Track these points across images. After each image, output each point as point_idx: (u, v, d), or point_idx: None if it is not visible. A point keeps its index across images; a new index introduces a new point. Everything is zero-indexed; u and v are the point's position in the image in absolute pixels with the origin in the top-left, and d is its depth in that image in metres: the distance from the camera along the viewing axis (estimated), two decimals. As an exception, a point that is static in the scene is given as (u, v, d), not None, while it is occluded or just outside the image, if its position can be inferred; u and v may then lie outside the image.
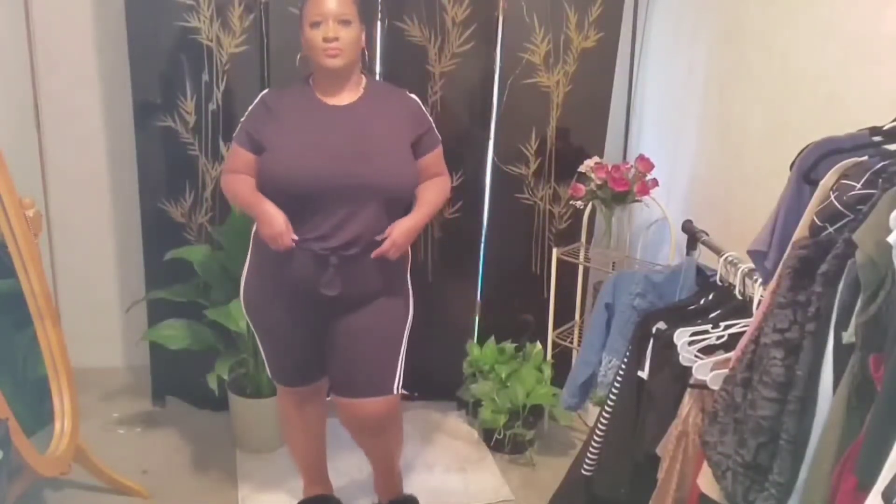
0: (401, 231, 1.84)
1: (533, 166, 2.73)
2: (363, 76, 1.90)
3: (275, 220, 1.77)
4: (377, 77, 2.60)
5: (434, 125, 1.96)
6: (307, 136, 1.81)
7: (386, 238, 1.83)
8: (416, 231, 1.88)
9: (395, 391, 1.95)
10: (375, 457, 2.16)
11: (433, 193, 1.95)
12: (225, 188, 1.94)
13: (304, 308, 1.89)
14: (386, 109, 1.88)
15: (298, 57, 1.90)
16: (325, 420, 2.20)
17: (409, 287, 2.01)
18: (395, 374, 1.95)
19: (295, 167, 1.77)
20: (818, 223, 1.20)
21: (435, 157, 1.97)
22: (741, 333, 1.55)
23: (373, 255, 1.81)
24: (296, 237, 1.78)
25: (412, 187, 1.90)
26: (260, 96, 1.91)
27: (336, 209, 1.77)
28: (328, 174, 1.76)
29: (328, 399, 2.13)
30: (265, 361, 2.07)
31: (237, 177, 1.88)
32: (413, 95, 1.95)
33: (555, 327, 2.76)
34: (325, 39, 1.76)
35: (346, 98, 1.86)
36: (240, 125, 1.90)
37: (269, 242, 1.79)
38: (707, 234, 2.13)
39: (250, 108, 1.89)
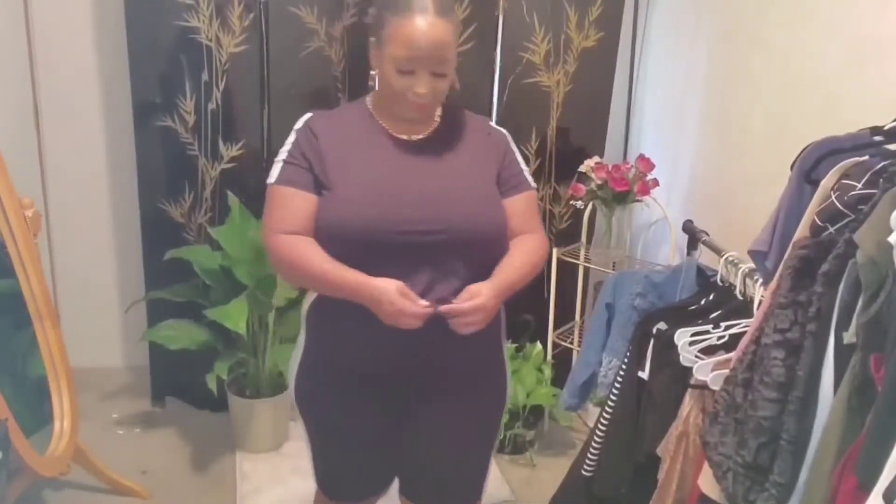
0: (489, 295, 1.35)
1: (533, 166, 2.73)
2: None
3: (390, 296, 1.31)
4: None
5: (526, 168, 1.54)
6: (374, 175, 1.40)
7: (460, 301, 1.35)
8: (502, 297, 1.41)
9: (481, 497, 1.61)
10: None
11: (524, 249, 1.46)
12: (280, 259, 1.40)
13: (379, 397, 1.47)
14: (465, 144, 1.48)
15: (371, 75, 1.45)
16: None
17: (507, 362, 1.60)
18: (486, 477, 1.60)
19: (362, 213, 1.35)
20: (819, 223, 1.20)
21: (522, 204, 1.49)
22: (742, 334, 1.55)
23: (448, 308, 1.34)
24: (425, 301, 1.34)
25: (501, 237, 1.45)
26: (303, 122, 1.45)
27: (408, 265, 1.36)
28: (402, 221, 1.35)
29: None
30: (314, 469, 1.62)
31: (295, 241, 1.38)
32: (500, 128, 1.56)
33: (555, 327, 2.76)
34: (415, 94, 1.36)
35: (418, 130, 1.46)
36: (281, 163, 1.42)
37: (396, 323, 1.32)
38: (707, 235, 2.13)
39: (292, 137, 1.44)
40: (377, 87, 1.44)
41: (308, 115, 1.46)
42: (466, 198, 1.41)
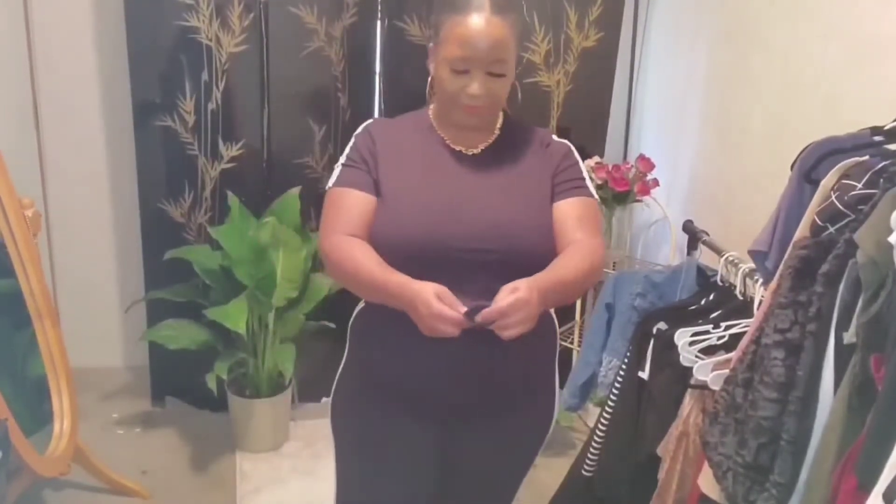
0: (530, 288, 1.19)
1: (533, 166, 2.73)
2: (501, 113, 1.45)
3: (427, 298, 1.19)
4: (377, 75, 2.58)
5: (589, 179, 1.43)
6: (424, 187, 1.35)
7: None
8: (541, 298, 1.22)
9: None
10: None
11: (572, 252, 1.32)
12: (330, 261, 1.34)
13: (421, 417, 1.39)
14: (523, 160, 1.40)
15: (429, 81, 1.39)
16: None
17: (557, 386, 1.54)
18: (513, 499, 1.55)
19: (406, 225, 1.31)
20: (819, 223, 1.20)
21: (577, 207, 1.37)
22: (742, 334, 1.55)
23: (485, 316, 1.18)
24: (463, 308, 1.19)
25: (552, 258, 1.33)
26: (363, 126, 1.42)
27: (451, 283, 1.23)
28: (447, 238, 1.29)
29: None
30: (337, 496, 1.53)
31: (348, 242, 1.31)
32: (562, 140, 1.45)
33: (555, 327, 2.75)
34: (468, 96, 1.30)
35: (476, 142, 1.40)
36: (341, 167, 1.39)
37: (433, 329, 1.20)
38: (707, 234, 2.12)
39: (351, 142, 1.41)
40: (435, 94, 1.39)
41: (369, 121, 1.44)
42: (518, 218, 1.33)
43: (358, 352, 1.45)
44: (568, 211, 1.36)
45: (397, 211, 1.32)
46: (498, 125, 1.42)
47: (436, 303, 1.18)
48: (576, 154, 1.43)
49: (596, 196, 1.42)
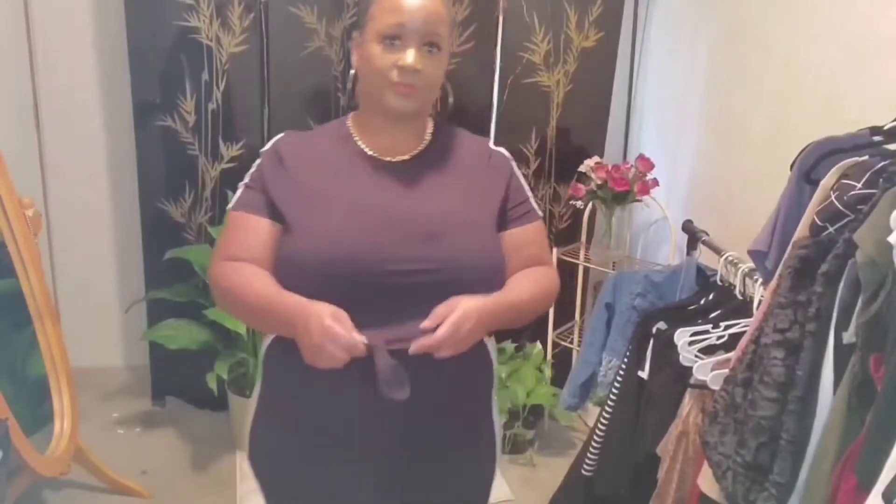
0: (467, 312, 1.11)
1: (533, 166, 2.73)
2: (430, 119, 1.29)
3: (323, 319, 1.07)
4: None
5: (531, 194, 1.33)
6: (345, 203, 1.18)
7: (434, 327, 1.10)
8: (487, 321, 1.15)
9: None
10: None
11: (530, 276, 1.27)
12: (217, 286, 1.21)
13: (351, 461, 1.24)
14: (460, 168, 1.26)
15: (351, 73, 1.25)
16: None
17: (497, 423, 1.35)
18: None
19: (327, 248, 1.14)
20: (819, 223, 1.20)
21: (532, 234, 1.29)
22: (741, 333, 1.55)
23: (413, 348, 1.10)
24: (364, 339, 1.08)
25: (497, 279, 1.22)
26: (272, 143, 1.25)
27: (386, 310, 1.13)
28: (376, 259, 1.14)
29: None
30: None
31: (239, 267, 1.18)
32: (502, 149, 1.33)
33: (555, 327, 2.76)
34: (402, 69, 1.14)
35: (403, 150, 1.24)
36: (243, 187, 1.24)
37: (320, 353, 1.09)
38: (707, 234, 2.13)
39: (259, 159, 1.26)
40: (360, 88, 1.24)
41: (279, 135, 1.27)
42: (457, 230, 1.19)
43: (273, 389, 1.30)
44: (523, 239, 1.28)
45: (309, 233, 1.16)
46: (429, 130, 1.27)
47: (330, 321, 1.06)
48: (516, 168, 1.33)
49: (540, 213, 1.34)
